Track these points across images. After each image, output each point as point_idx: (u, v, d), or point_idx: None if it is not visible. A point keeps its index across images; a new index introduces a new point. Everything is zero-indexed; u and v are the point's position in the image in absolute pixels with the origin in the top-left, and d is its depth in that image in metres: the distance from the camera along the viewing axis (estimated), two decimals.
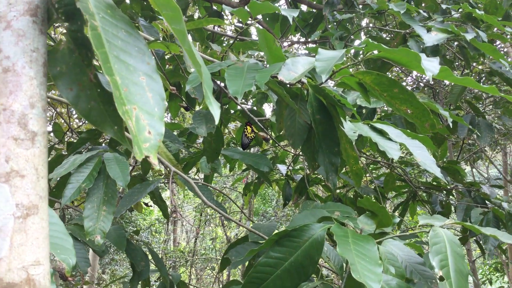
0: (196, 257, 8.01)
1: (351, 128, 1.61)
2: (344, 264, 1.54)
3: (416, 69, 1.24)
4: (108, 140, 2.46)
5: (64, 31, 0.63)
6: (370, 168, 4.13)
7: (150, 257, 2.40)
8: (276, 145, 3.10)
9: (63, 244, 0.86)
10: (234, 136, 3.95)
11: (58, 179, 1.80)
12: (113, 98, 0.53)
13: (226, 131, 4.70)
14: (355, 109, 1.83)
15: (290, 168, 3.83)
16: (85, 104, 0.58)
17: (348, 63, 1.43)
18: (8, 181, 0.49)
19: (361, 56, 1.42)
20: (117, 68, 0.54)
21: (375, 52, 1.31)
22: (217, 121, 0.58)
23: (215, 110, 0.58)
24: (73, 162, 1.65)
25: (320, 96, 1.48)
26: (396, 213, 4.04)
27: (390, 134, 1.60)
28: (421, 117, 1.38)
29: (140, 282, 2.38)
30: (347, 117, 1.59)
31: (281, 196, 8.13)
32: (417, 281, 1.51)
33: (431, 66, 1.10)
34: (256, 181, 3.95)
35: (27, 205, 0.49)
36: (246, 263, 2.29)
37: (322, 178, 3.92)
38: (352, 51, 3.20)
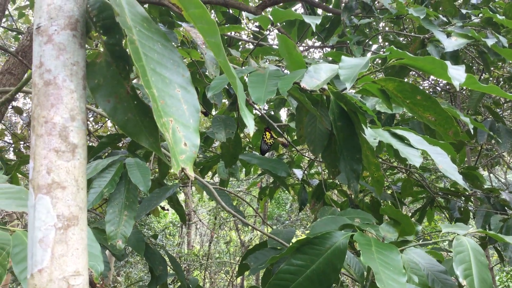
0: (210, 260, 8.02)
1: (371, 135, 1.60)
2: (365, 272, 1.54)
3: (441, 77, 1.23)
4: (126, 145, 2.48)
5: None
6: (387, 173, 4.10)
7: (167, 260, 2.42)
8: (293, 149, 3.10)
9: (92, 251, 0.87)
10: (250, 140, 3.96)
11: None
12: (150, 110, 0.54)
13: (242, 135, 4.71)
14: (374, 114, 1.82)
15: (306, 173, 3.83)
16: (122, 116, 0.59)
17: (370, 70, 1.43)
18: (50, 193, 0.50)
19: (381, 62, 1.41)
20: (154, 81, 0.54)
21: (399, 59, 1.30)
22: (251, 132, 0.59)
23: (249, 121, 0.58)
24: (95, 167, 1.66)
25: (341, 102, 1.48)
26: (413, 219, 3.99)
27: (411, 141, 1.59)
28: (445, 125, 1.37)
29: (158, 287, 2.39)
30: (367, 123, 1.59)
31: (295, 201, 8.12)
32: None
33: (458, 74, 1.09)
34: (271, 185, 3.95)
35: (68, 216, 0.50)
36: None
37: (338, 183, 3.91)
38: (369, 54, 3.19)
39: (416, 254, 1.50)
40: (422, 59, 1.20)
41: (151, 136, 0.59)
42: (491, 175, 6.30)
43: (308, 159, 3.83)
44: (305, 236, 1.34)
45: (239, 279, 7.61)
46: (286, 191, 7.77)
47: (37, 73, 0.54)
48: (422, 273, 1.35)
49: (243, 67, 1.57)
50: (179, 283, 2.38)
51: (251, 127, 0.58)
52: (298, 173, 3.66)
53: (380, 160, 3.66)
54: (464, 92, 4.10)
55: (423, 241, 1.51)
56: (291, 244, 1.31)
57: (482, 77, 3.52)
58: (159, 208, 3.61)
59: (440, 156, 1.60)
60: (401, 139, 1.62)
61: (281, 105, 2.59)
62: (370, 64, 1.32)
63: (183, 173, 0.56)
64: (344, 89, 1.51)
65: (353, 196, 1.51)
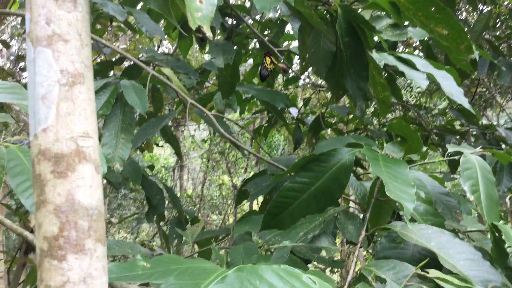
0: (203, 202, 8.11)
1: (376, 58, 1.54)
2: (367, 195, 1.52)
3: None
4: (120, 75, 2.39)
5: None
6: None
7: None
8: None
9: None
10: (245, 77, 3.87)
11: None
12: None
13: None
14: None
15: (301, 111, 3.78)
16: None
17: None
18: (51, 45, 0.44)
19: None
20: None
21: None
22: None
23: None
24: None
25: (349, 17, 1.40)
26: None
27: (417, 64, 1.54)
28: (457, 38, 1.31)
29: (155, 217, 2.39)
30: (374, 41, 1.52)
31: (287, 144, 8.12)
32: (440, 211, 1.49)
33: None
34: (266, 124, 3.91)
35: (73, 73, 0.44)
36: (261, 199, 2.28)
37: (334, 122, 3.88)
38: None
39: (420, 176, 1.48)
40: None
41: None
42: (484, 117, 6.32)
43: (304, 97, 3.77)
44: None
45: (231, 220, 7.73)
46: (278, 134, 7.75)
47: None
48: (427, 190, 1.33)
49: None
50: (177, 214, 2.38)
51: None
52: (293, 111, 3.61)
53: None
54: (467, 24, 4.00)
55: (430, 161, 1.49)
56: (295, 162, 1.27)
57: (484, 7, 3.42)
58: (154, 145, 3.56)
59: (445, 79, 1.55)
60: (407, 63, 1.57)
61: (279, 34, 2.50)
62: None
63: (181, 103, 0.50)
64: (352, 2, 1.43)
65: (360, 116, 1.47)
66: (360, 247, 1.29)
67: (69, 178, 0.41)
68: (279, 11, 1.86)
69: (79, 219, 0.40)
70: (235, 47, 2.70)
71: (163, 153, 11.34)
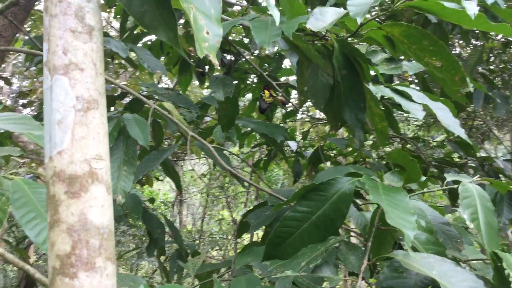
0: (202, 238, 8.04)
1: (373, 90, 1.58)
2: (368, 225, 1.52)
3: (451, 17, 1.21)
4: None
5: None
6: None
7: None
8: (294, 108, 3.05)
9: None
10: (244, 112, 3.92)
11: None
12: (168, 1, 0.51)
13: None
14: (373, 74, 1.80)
15: (300, 145, 3.81)
16: (138, 7, 0.55)
17: (377, 14, 1.40)
18: (67, 74, 0.46)
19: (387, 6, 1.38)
20: None
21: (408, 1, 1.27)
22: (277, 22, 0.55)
23: (275, 13, 0.55)
24: None
25: (345, 51, 1.45)
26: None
27: (413, 96, 1.58)
28: (452, 70, 1.35)
29: (156, 252, 2.37)
30: (370, 74, 1.56)
31: (287, 178, 8.11)
32: (442, 240, 1.50)
33: (471, 7, 1.07)
34: (265, 158, 3.93)
35: (88, 99, 0.47)
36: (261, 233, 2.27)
37: (333, 155, 3.91)
38: None
39: (420, 206, 1.49)
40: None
41: (170, 30, 0.56)
42: (482, 150, 6.36)
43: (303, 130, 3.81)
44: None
45: (232, 252, 7.64)
46: (277, 168, 7.75)
47: None
48: (427, 219, 1.34)
49: (243, 16, 1.53)
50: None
51: (277, 18, 0.54)
52: (293, 145, 3.64)
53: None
54: (461, 57, 4.09)
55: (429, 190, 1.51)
56: (295, 191, 1.28)
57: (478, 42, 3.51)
58: (154, 179, 3.57)
59: (441, 110, 1.58)
60: (403, 95, 1.61)
61: (277, 69, 2.56)
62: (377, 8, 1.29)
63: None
64: (348, 37, 1.48)
65: (358, 147, 1.49)
66: (363, 279, 1.29)
67: (82, 198, 0.43)
68: (276, 46, 1.91)
69: (91, 238, 0.41)
70: (235, 82, 2.76)
71: (162, 189, 11.32)
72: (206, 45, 0.50)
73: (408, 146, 3.81)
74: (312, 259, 1.20)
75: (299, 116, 3.81)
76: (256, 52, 2.54)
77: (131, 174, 1.59)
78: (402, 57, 2.15)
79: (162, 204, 10.21)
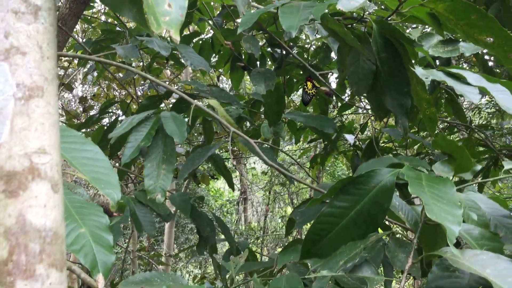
0: (266, 234, 8.04)
1: (422, 74, 1.45)
2: (419, 219, 1.41)
3: None
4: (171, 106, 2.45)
5: None
6: (445, 133, 3.85)
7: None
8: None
9: (108, 179, 0.82)
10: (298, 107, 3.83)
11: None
12: None
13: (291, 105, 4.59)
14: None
15: (358, 137, 3.66)
16: None
17: None
18: (8, 59, 0.43)
19: None
20: None
21: None
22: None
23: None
24: (131, 122, 1.63)
25: (385, 32, 1.34)
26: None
27: (468, 79, 1.43)
28: (505, 46, 1.21)
29: (207, 249, 2.37)
30: (417, 55, 1.44)
31: (350, 174, 7.90)
32: (503, 235, 1.35)
33: None
34: (322, 152, 3.82)
35: (30, 86, 0.43)
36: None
37: (393, 146, 3.72)
38: None
39: (476, 198, 1.35)
40: None
41: (134, 6, 0.51)
42: None
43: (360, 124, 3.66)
44: None
45: None
46: (341, 163, 7.56)
47: None
48: (482, 212, 1.20)
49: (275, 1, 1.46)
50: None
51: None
52: (350, 138, 3.50)
53: (439, 119, 3.43)
54: None
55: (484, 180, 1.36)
56: (332, 186, 1.20)
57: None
58: (209, 177, 3.59)
59: (501, 93, 1.43)
60: (458, 78, 1.47)
61: (326, 59, 2.46)
62: None
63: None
64: (388, 16, 1.37)
65: (403, 134, 1.38)
66: (414, 278, 1.18)
67: (20, 198, 0.39)
68: (316, 33, 1.83)
69: (30, 242, 0.38)
70: (287, 77, 2.69)
71: (227, 187, 11.49)
72: (166, 19, 0.44)
73: (476, 135, 3.54)
74: (350, 258, 1.12)
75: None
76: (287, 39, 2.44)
77: (170, 173, 1.58)
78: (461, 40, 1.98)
79: (228, 203, 10.36)
